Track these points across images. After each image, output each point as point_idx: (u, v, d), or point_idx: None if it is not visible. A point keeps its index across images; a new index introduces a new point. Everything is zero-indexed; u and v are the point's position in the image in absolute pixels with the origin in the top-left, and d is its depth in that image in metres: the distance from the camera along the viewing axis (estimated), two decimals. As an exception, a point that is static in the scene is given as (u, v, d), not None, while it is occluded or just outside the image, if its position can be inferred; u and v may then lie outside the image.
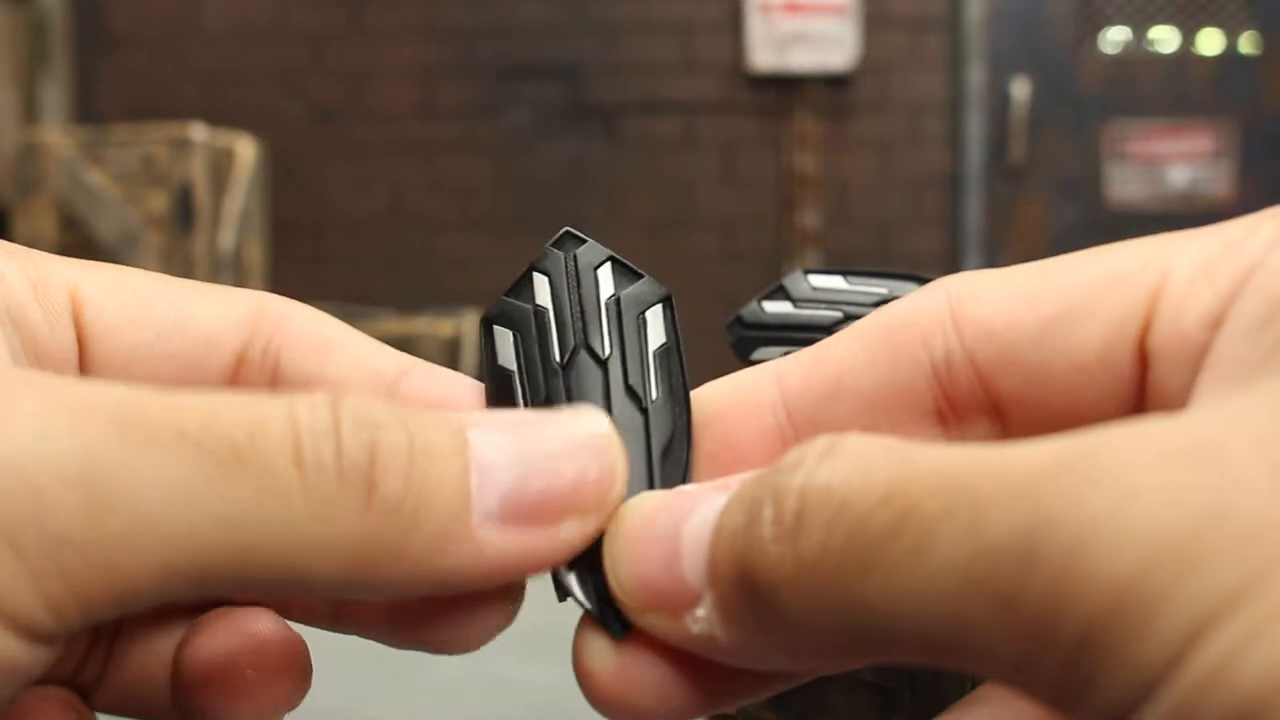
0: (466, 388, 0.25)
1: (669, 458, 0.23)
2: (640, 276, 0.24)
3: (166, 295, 0.25)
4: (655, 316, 0.24)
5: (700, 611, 0.20)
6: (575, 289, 0.24)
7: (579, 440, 0.21)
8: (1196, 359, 0.19)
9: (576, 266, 0.24)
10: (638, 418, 0.23)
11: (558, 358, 0.23)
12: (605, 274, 0.24)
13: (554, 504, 0.21)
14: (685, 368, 0.24)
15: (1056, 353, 0.21)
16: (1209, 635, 0.14)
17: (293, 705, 0.24)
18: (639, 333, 0.24)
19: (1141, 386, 0.21)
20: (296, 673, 0.24)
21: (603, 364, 0.24)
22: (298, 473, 0.19)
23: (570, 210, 3.06)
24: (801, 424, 0.23)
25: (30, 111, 3.06)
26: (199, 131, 2.42)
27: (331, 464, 0.19)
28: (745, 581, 0.18)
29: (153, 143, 2.40)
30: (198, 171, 2.39)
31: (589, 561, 0.21)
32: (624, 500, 0.21)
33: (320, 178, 3.09)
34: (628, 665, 0.21)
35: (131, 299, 0.25)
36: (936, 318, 0.22)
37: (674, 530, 0.20)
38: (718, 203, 3.10)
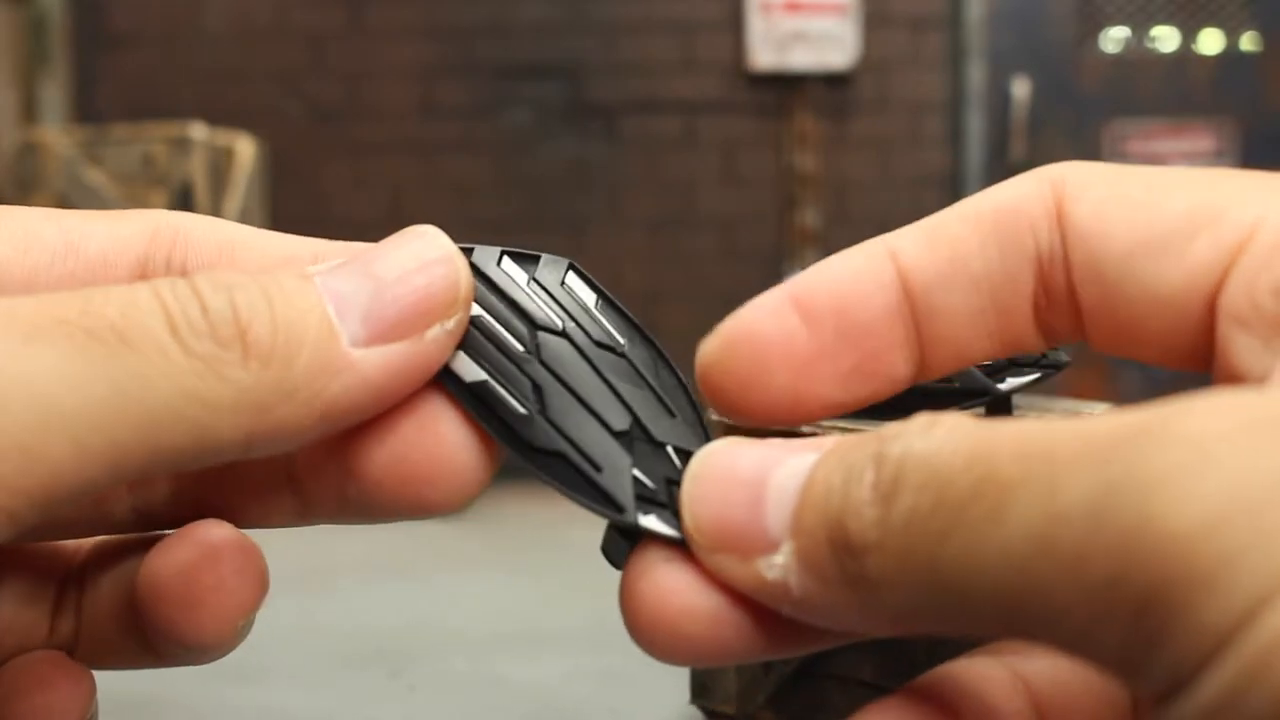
0: None
1: (662, 382, 0.24)
2: (538, 257, 0.25)
3: (55, 223, 0.25)
4: (575, 281, 0.25)
5: (778, 559, 0.20)
6: (492, 289, 0.24)
7: (420, 257, 0.22)
8: (1263, 325, 0.19)
9: (479, 271, 0.24)
10: (622, 363, 0.24)
11: (521, 348, 0.23)
12: (510, 266, 0.25)
13: (412, 314, 0.22)
14: (626, 309, 0.25)
15: (1135, 279, 0.21)
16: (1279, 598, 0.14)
17: (250, 611, 0.24)
18: (572, 298, 0.25)
19: (1210, 336, 0.20)
20: (252, 575, 0.24)
21: (563, 335, 0.24)
22: (174, 339, 0.20)
23: (570, 210, 3.06)
24: (919, 307, 0.23)
25: (30, 111, 3.06)
26: (199, 131, 2.42)
27: (201, 324, 0.20)
28: (835, 538, 0.19)
29: (152, 142, 2.40)
30: (197, 171, 2.39)
31: (655, 502, 0.22)
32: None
33: (320, 177, 3.09)
34: (686, 589, 0.21)
35: (18, 229, 0.25)
36: (1043, 208, 0.22)
37: (761, 477, 0.21)
38: (718, 202, 3.10)
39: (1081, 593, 0.15)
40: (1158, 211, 0.21)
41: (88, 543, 0.27)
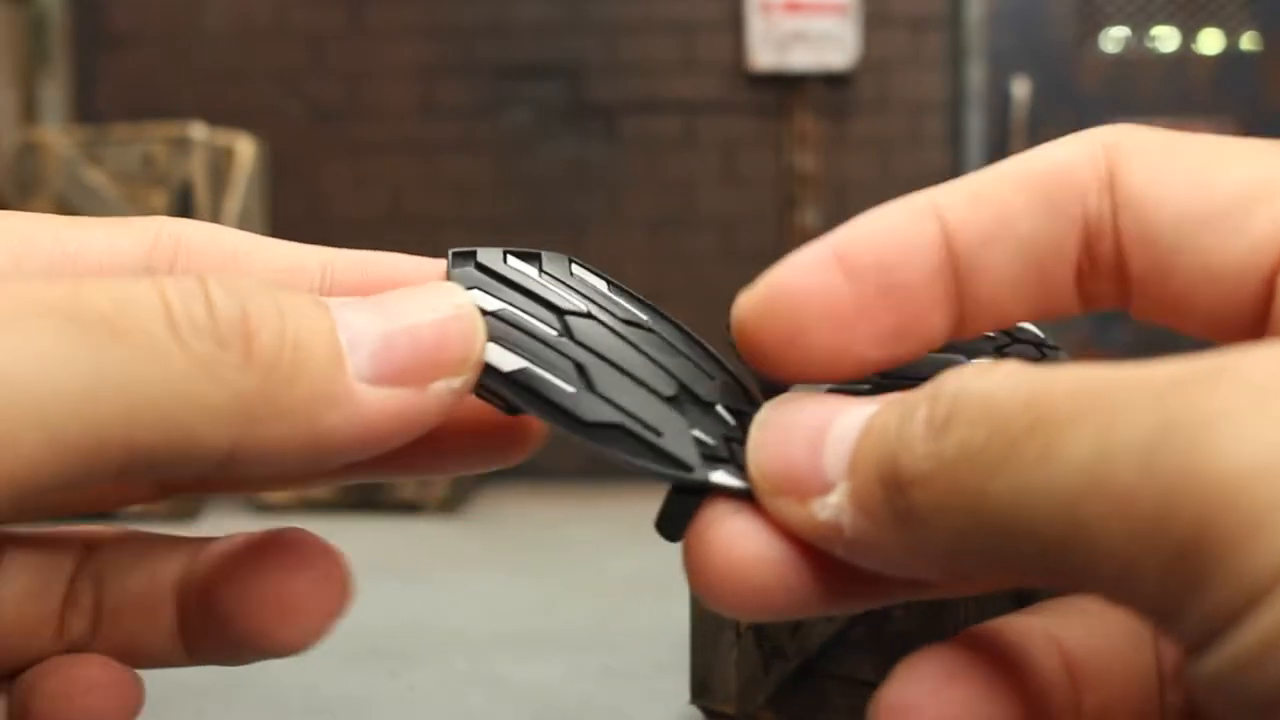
0: (407, 264, 0.25)
1: (694, 350, 0.24)
2: (539, 254, 0.25)
3: (52, 232, 0.24)
4: (580, 271, 0.25)
5: (831, 499, 0.20)
6: (507, 284, 0.24)
7: (437, 307, 0.22)
8: None
9: (490, 269, 0.24)
10: (652, 336, 0.24)
11: (553, 332, 0.23)
12: (516, 263, 0.25)
13: (421, 362, 0.21)
14: (636, 292, 0.25)
15: (1190, 250, 0.21)
16: None
17: (342, 612, 0.24)
18: (585, 284, 0.25)
19: (1265, 312, 0.20)
20: (339, 579, 0.24)
21: (589, 316, 0.24)
22: (172, 335, 0.19)
23: (570, 210, 3.06)
24: (962, 266, 0.22)
25: (30, 111, 3.06)
26: (199, 131, 2.42)
27: (205, 324, 0.19)
28: (885, 475, 0.19)
29: (152, 142, 2.40)
30: (197, 171, 2.39)
31: (719, 458, 0.22)
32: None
33: (320, 177, 3.09)
34: (755, 535, 0.21)
35: (14, 238, 0.24)
36: (1094, 173, 0.22)
37: (823, 424, 0.21)
38: (718, 202, 3.10)
39: (1126, 532, 0.15)
40: (1215, 182, 0.21)
41: (102, 540, 0.26)
